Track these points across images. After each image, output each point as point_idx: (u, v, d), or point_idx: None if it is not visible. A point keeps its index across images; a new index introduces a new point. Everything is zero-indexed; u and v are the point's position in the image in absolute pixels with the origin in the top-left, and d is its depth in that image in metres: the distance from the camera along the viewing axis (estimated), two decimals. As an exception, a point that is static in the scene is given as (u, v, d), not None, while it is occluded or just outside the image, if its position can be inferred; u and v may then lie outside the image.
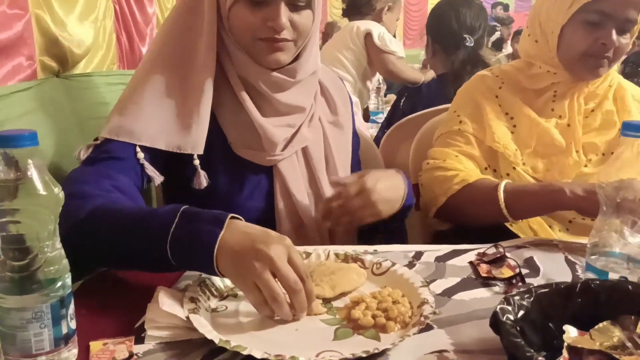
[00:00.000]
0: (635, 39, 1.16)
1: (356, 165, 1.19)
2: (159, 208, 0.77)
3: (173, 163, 0.94)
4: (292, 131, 1.01)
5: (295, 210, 1.01)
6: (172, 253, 0.70)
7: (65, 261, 0.61)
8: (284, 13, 0.90)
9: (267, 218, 0.98)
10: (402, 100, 2.10)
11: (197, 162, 0.94)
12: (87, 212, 0.77)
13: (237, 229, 0.70)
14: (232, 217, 0.72)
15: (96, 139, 0.90)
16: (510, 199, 1.04)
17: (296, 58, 0.98)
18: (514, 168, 1.14)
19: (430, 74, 2.33)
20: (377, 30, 2.68)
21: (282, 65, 0.96)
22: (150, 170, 0.91)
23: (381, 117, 2.68)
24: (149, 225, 0.73)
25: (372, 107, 2.86)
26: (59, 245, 0.60)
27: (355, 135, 1.19)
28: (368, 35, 2.67)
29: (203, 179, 0.95)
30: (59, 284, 0.59)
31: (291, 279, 0.67)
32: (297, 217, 1.01)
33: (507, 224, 1.09)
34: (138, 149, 0.89)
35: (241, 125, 0.97)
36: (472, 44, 1.95)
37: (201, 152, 0.93)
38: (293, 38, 0.94)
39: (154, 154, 0.91)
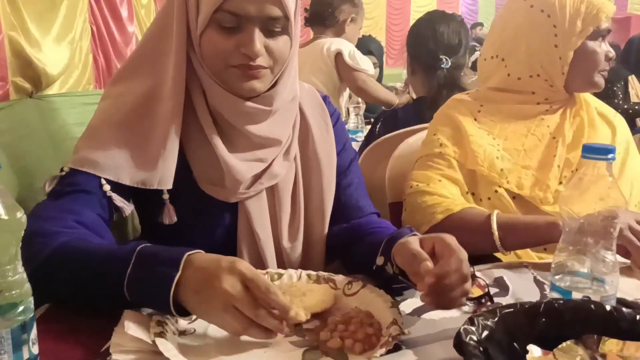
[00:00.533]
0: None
1: (358, 183, 1.10)
2: (120, 247, 0.76)
3: (140, 194, 0.90)
4: (263, 166, 0.96)
5: (257, 250, 0.97)
6: (130, 295, 0.71)
7: (28, 285, 0.60)
8: (259, 39, 0.86)
9: (227, 253, 0.94)
10: (378, 126, 2.03)
11: (166, 196, 0.90)
12: (49, 251, 0.76)
13: (192, 267, 0.69)
14: (190, 255, 0.70)
15: (62, 169, 0.87)
16: (504, 231, 1.01)
17: (273, 85, 0.94)
18: (496, 191, 1.13)
19: (406, 98, 2.34)
20: (347, 48, 2.65)
21: (258, 93, 0.91)
22: (119, 201, 0.88)
23: (361, 136, 2.69)
24: (107, 267, 0.73)
25: (351, 125, 2.87)
26: (20, 269, 0.59)
27: (347, 151, 1.10)
28: (339, 55, 2.64)
29: (173, 214, 0.91)
30: (21, 308, 0.58)
31: (248, 310, 0.66)
32: (259, 256, 0.97)
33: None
34: (103, 181, 0.86)
35: (206, 160, 0.93)
36: (448, 65, 1.91)
37: (169, 186, 0.89)
38: (269, 65, 0.90)
39: (120, 185, 0.88)
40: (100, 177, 0.86)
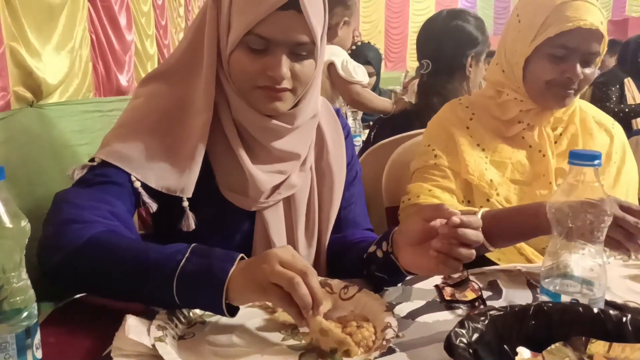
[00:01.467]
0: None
1: (358, 197, 1.13)
2: (164, 245, 0.78)
3: (159, 197, 0.91)
4: (282, 178, 0.98)
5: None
6: (180, 287, 0.72)
7: (32, 291, 0.62)
8: (285, 63, 0.88)
9: None
10: (373, 133, 1.97)
11: (186, 203, 0.92)
12: (87, 239, 0.77)
13: (241, 265, 0.73)
14: (242, 255, 0.75)
15: (92, 160, 0.88)
16: (487, 224, 0.97)
17: (295, 104, 0.96)
18: (488, 200, 1.15)
19: (402, 103, 2.32)
20: (339, 58, 2.59)
21: (280, 113, 0.94)
22: (147, 197, 0.89)
23: (359, 140, 2.71)
24: (157, 259, 0.74)
25: (348, 130, 2.87)
26: (25, 276, 0.61)
27: (353, 166, 1.13)
28: (331, 65, 2.57)
29: (192, 222, 0.92)
30: (25, 314, 0.60)
31: (298, 265, 0.70)
32: None
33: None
34: (134, 177, 0.88)
35: (230, 168, 0.95)
36: (426, 70, 1.82)
37: (190, 195, 0.91)
38: (293, 87, 0.91)
39: (144, 184, 0.89)
40: (130, 174, 0.88)
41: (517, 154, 1.18)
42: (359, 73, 2.69)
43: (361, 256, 0.92)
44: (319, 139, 1.06)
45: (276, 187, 0.98)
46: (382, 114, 2.69)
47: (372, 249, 0.90)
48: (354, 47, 3.35)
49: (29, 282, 0.62)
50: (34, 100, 1.21)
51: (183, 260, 0.73)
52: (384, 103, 2.76)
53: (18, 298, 0.60)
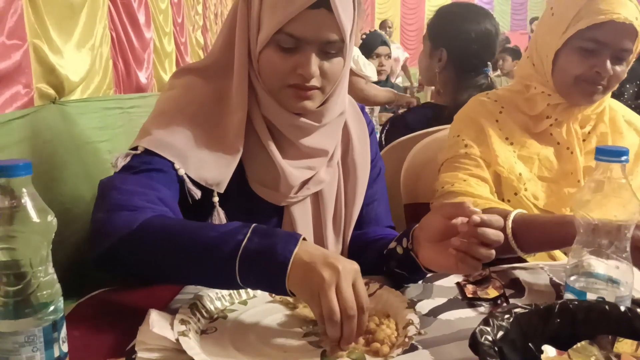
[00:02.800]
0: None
1: (381, 195, 1.13)
2: (221, 225, 0.78)
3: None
4: (311, 173, 0.99)
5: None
6: (243, 266, 0.71)
7: (58, 285, 0.62)
8: (314, 61, 0.88)
9: None
10: (384, 132, 1.86)
11: (216, 199, 0.92)
12: (139, 224, 0.77)
13: (309, 246, 0.72)
14: (304, 237, 0.73)
15: (135, 148, 0.89)
16: (519, 230, 0.97)
17: (323, 102, 0.96)
18: (516, 194, 1.13)
19: (405, 98, 2.28)
20: (353, 52, 2.66)
21: (308, 112, 0.94)
22: (191, 185, 0.89)
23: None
24: (219, 239, 0.73)
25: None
26: (51, 270, 0.62)
27: (376, 164, 1.13)
28: None
29: (223, 217, 0.92)
30: (52, 308, 0.61)
31: (349, 301, 0.67)
32: None
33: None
34: (177, 165, 0.88)
35: (261, 164, 0.96)
36: (489, 72, 1.77)
37: (222, 190, 0.92)
38: (321, 85, 0.92)
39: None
40: (172, 162, 0.88)
41: (545, 151, 1.16)
42: (368, 69, 2.69)
43: (381, 252, 0.92)
44: (345, 136, 1.06)
45: (305, 182, 0.99)
46: (386, 105, 2.69)
47: (392, 245, 0.90)
48: (364, 36, 3.38)
49: (55, 276, 0.62)
50: (57, 97, 1.23)
51: (245, 240, 0.72)
52: (388, 94, 2.77)
53: (45, 292, 0.60)
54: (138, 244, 0.76)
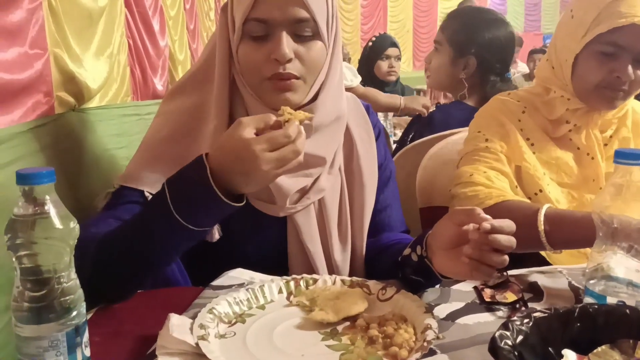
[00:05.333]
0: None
1: (393, 199, 1.11)
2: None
3: None
4: (309, 181, 0.97)
5: (309, 263, 0.98)
6: (179, 208, 0.75)
7: (80, 291, 0.64)
8: (287, 42, 0.87)
9: (279, 267, 0.96)
10: (411, 135, 1.84)
11: None
12: (98, 240, 0.81)
13: (213, 154, 0.77)
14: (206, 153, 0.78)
15: (114, 185, 0.94)
16: (552, 226, 0.94)
17: (313, 99, 0.94)
18: (536, 194, 1.10)
19: (422, 100, 2.22)
20: None
21: (294, 106, 0.89)
22: None
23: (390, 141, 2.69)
24: (150, 210, 0.80)
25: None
26: (74, 275, 0.63)
27: (387, 166, 1.11)
28: None
29: (216, 232, 0.92)
30: (74, 312, 0.62)
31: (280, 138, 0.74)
32: (310, 269, 0.98)
33: (544, 253, 1.05)
34: (147, 193, 0.91)
35: None
36: (511, 77, 1.80)
37: None
38: (301, 74, 0.89)
39: None
40: (143, 191, 0.91)
41: (565, 156, 1.14)
42: (347, 76, 2.62)
43: (396, 259, 0.91)
44: (348, 141, 1.04)
45: (304, 192, 0.97)
46: (390, 111, 2.63)
47: (406, 251, 0.89)
48: (373, 39, 3.36)
49: (77, 281, 0.64)
50: (76, 104, 1.25)
51: (166, 191, 0.77)
52: (391, 100, 2.69)
53: (68, 297, 0.62)
54: (104, 261, 0.79)
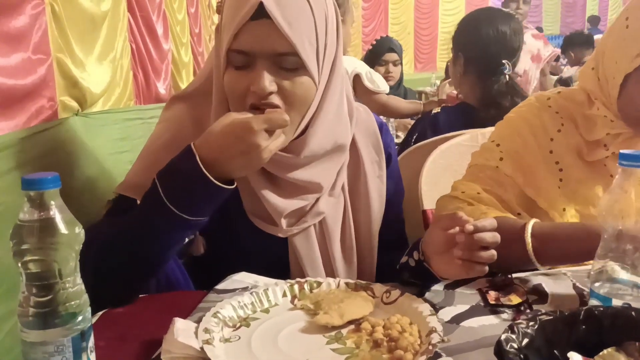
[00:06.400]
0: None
1: (398, 223, 1.11)
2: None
3: None
4: (304, 204, 0.96)
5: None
6: (172, 199, 0.77)
7: (86, 296, 0.64)
8: (266, 76, 0.83)
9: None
10: (415, 136, 1.85)
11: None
12: (97, 244, 0.79)
13: (201, 144, 0.80)
14: (194, 142, 0.80)
15: (114, 193, 0.95)
16: (540, 245, 0.89)
17: (301, 133, 0.91)
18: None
19: (432, 104, 2.24)
20: (363, 70, 2.57)
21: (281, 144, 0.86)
22: None
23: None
24: (144, 203, 0.81)
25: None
26: (79, 280, 0.63)
27: (398, 193, 1.10)
28: (357, 77, 2.55)
29: (200, 246, 0.93)
30: (80, 318, 0.62)
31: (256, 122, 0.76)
32: None
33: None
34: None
35: (249, 194, 0.95)
36: (510, 71, 1.75)
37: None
38: (283, 107, 0.85)
39: None
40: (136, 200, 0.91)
41: (595, 184, 1.02)
42: (381, 82, 2.66)
43: (394, 267, 0.93)
44: (355, 160, 1.02)
45: (302, 215, 0.97)
46: (412, 117, 2.64)
47: (403, 259, 0.91)
48: (374, 42, 3.38)
49: (83, 286, 0.64)
50: (79, 109, 1.25)
51: (157, 182, 0.79)
52: (413, 105, 2.72)
53: (73, 302, 0.62)
54: (104, 264, 0.80)
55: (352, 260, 1.01)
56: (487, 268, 0.79)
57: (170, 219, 0.78)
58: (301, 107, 0.88)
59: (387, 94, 2.78)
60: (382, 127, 1.07)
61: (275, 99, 0.85)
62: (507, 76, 1.75)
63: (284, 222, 0.95)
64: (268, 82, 0.84)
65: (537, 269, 0.93)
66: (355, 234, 1.02)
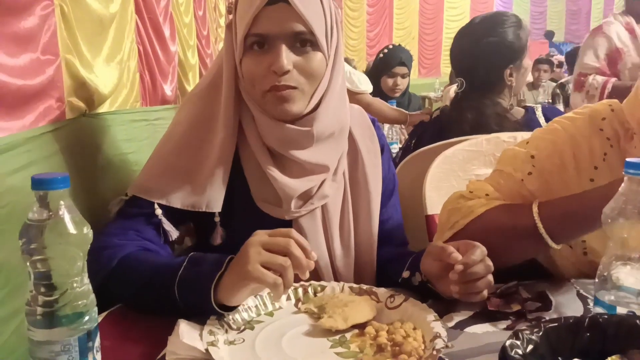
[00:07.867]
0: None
1: (394, 211, 1.12)
2: (176, 257, 0.85)
3: (197, 217, 0.96)
4: (312, 185, 0.99)
5: (314, 268, 1.00)
6: (180, 295, 0.79)
7: (92, 296, 0.64)
8: (286, 55, 0.89)
9: None
10: (414, 140, 1.82)
11: (217, 218, 0.96)
12: (117, 261, 0.85)
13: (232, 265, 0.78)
14: (232, 258, 0.78)
15: (126, 194, 0.96)
16: (547, 219, 0.87)
17: (314, 109, 0.96)
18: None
19: (415, 117, 2.21)
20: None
21: (295, 116, 0.94)
22: (167, 225, 0.94)
23: (395, 147, 2.69)
24: (164, 272, 0.81)
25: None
26: (86, 280, 0.64)
27: (391, 181, 1.12)
28: None
29: (218, 236, 0.96)
30: (87, 317, 0.63)
31: (272, 263, 0.73)
32: (315, 274, 0.98)
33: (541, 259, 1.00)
34: (156, 206, 0.93)
35: (260, 179, 0.97)
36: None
37: (218, 209, 0.95)
38: (299, 85, 0.92)
39: (175, 210, 0.94)
40: (154, 202, 0.93)
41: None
42: (362, 82, 2.61)
43: (395, 280, 0.95)
44: (352, 149, 1.06)
45: (309, 197, 0.99)
46: (395, 124, 2.61)
47: (405, 274, 0.94)
48: (385, 51, 3.34)
49: (90, 286, 0.64)
50: (87, 110, 1.26)
51: (181, 270, 0.79)
52: (397, 113, 2.68)
53: (80, 302, 0.62)
54: (117, 278, 0.84)
55: (350, 246, 1.03)
56: (486, 293, 0.83)
57: (172, 298, 0.80)
58: (314, 81, 0.94)
59: (395, 100, 2.77)
60: (374, 123, 1.13)
61: (289, 79, 0.90)
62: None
63: (293, 204, 0.97)
64: (287, 60, 0.89)
65: (547, 249, 0.89)
66: (354, 219, 1.04)
